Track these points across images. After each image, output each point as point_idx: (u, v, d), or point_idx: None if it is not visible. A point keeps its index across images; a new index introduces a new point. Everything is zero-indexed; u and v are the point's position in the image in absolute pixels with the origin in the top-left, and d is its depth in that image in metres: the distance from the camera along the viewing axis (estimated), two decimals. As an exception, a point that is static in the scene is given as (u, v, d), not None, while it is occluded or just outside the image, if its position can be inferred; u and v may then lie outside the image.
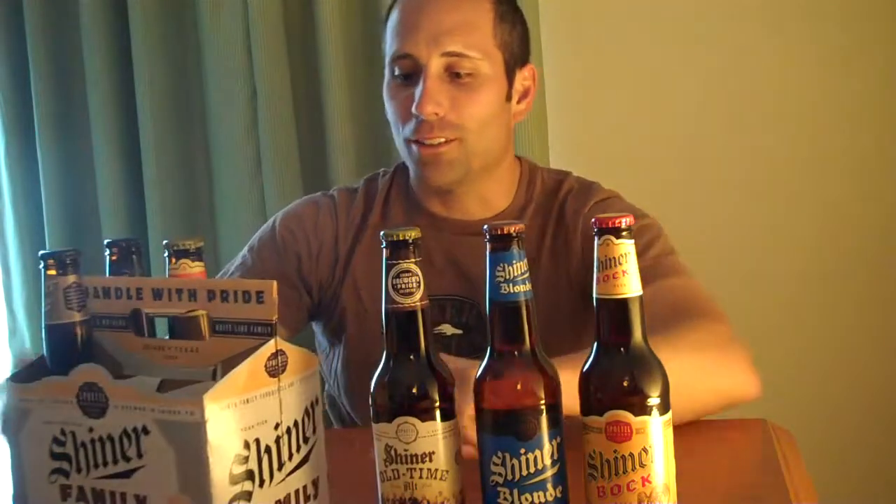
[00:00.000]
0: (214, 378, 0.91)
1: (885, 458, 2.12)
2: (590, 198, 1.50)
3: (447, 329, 1.49)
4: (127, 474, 0.88)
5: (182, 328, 0.94)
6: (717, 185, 2.14)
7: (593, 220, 0.89)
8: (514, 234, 0.89)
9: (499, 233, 0.89)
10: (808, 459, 1.17)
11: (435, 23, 1.41)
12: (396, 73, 1.46)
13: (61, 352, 0.94)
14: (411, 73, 1.44)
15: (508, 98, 1.48)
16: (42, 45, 2.18)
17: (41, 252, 0.95)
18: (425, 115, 1.41)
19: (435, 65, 1.41)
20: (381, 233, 0.92)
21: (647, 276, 1.39)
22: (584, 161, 1.78)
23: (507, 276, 0.89)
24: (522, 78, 1.50)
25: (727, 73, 2.12)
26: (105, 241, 1.05)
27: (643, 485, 0.87)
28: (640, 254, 1.39)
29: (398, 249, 0.91)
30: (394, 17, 1.48)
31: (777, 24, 2.10)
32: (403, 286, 0.91)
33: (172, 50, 2.16)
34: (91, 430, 0.89)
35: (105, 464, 0.89)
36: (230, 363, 0.89)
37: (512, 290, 0.89)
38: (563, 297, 1.46)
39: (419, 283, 0.91)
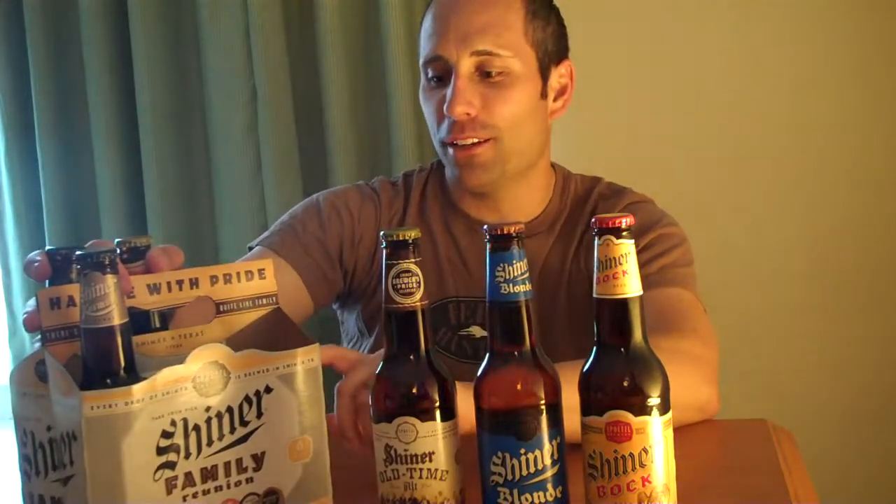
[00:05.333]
0: None
1: (885, 459, 2.12)
2: (620, 201, 1.50)
3: (476, 331, 1.48)
4: (244, 439, 0.91)
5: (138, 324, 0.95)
6: (719, 185, 2.13)
7: (593, 219, 0.89)
8: (514, 234, 0.89)
9: (499, 233, 0.89)
10: (808, 459, 1.17)
11: (465, 23, 1.41)
12: (430, 75, 1.45)
13: (122, 353, 0.87)
14: (444, 76, 1.43)
15: (544, 96, 1.46)
16: (42, 45, 2.18)
17: (82, 253, 0.85)
18: (456, 115, 1.40)
19: (465, 64, 1.40)
20: (381, 233, 0.92)
21: (647, 284, 1.39)
22: (585, 161, 1.77)
23: (507, 276, 0.89)
24: (559, 75, 1.48)
25: (730, 73, 2.12)
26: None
27: (643, 485, 0.87)
28: (652, 260, 1.41)
29: (398, 249, 0.91)
30: (426, 22, 1.47)
31: (784, 24, 2.10)
32: (403, 286, 0.91)
33: (172, 50, 2.16)
34: (208, 408, 0.89)
35: (221, 437, 0.90)
36: (235, 339, 0.96)
37: (512, 290, 0.89)
38: (589, 303, 1.45)
39: (419, 283, 0.91)
